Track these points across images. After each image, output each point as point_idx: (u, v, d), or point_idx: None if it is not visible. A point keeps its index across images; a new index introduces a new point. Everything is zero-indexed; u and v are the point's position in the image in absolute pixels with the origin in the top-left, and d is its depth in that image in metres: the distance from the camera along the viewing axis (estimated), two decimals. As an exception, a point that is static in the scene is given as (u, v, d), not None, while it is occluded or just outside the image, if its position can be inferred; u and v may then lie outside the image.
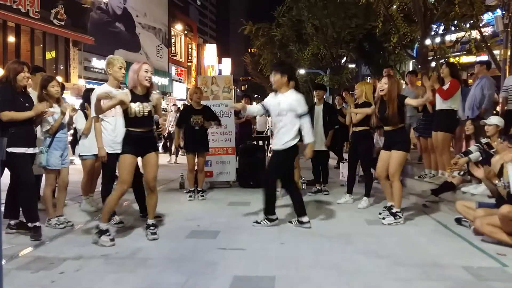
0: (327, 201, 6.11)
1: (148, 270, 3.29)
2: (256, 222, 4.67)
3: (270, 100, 4.75)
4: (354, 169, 6.09)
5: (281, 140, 4.55)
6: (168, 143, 12.15)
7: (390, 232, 4.43)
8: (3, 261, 3.16)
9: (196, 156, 6.27)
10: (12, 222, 4.31)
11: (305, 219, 4.59)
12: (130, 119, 3.99)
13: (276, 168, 4.67)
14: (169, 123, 11.72)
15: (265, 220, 4.65)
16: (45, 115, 4.24)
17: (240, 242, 4.01)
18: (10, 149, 3.91)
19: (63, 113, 4.44)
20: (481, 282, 3.07)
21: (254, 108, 5.20)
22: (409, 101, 4.79)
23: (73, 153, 6.19)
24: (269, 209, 4.66)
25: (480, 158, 4.95)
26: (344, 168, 7.30)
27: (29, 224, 4.06)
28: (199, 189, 6.36)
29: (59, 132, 4.45)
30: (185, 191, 6.58)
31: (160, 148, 14.30)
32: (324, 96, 6.99)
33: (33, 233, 4.03)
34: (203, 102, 6.47)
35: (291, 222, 4.73)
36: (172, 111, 13.11)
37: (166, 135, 12.07)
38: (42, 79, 4.43)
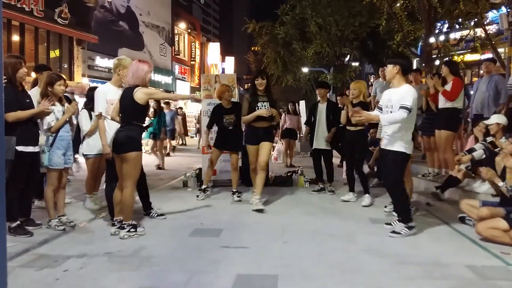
0: (330, 199, 6.11)
1: (151, 268, 3.29)
2: (394, 232, 4.18)
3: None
4: (352, 168, 6.04)
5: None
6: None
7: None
8: (7, 259, 3.17)
9: (229, 155, 6.07)
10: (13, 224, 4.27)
11: None
12: None
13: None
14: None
15: (406, 228, 4.19)
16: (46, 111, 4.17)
17: (243, 241, 4.01)
18: (20, 148, 3.90)
19: (69, 112, 4.39)
20: (485, 281, 3.06)
21: None
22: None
23: (77, 152, 6.18)
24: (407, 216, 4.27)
25: (484, 156, 4.93)
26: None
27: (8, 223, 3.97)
28: (233, 190, 6.04)
29: (61, 130, 4.37)
30: (188, 189, 6.56)
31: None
32: (328, 95, 6.93)
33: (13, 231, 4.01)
34: (209, 100, 6.37)
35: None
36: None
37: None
38: (50, 76, 4.35)
